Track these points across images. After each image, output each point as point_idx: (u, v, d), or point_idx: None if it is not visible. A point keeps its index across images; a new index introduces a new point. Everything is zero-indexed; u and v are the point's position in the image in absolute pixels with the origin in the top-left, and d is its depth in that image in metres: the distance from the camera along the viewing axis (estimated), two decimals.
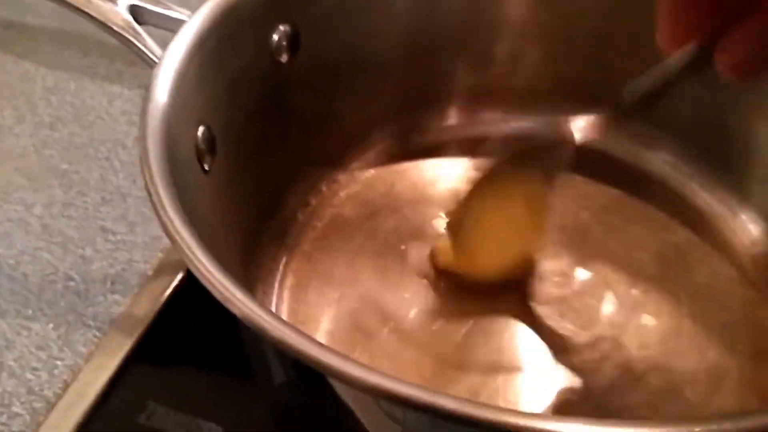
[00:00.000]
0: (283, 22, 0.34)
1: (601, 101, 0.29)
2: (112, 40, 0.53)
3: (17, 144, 0.47)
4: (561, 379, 0.32)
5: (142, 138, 0.24)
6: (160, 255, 0.40)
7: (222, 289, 0.21)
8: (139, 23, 0.32)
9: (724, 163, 0.38)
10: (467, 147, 0.40)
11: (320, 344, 0.20)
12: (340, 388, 0.26)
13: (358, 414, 0.27)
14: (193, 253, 0.21)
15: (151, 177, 0.23)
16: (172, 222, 0.22)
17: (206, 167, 0.29)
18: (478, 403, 0.20)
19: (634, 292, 0.35)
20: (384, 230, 0.38)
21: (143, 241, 0.41)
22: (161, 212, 0.22)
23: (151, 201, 0.23)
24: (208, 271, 0.21)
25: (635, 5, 0.36)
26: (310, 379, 0.28)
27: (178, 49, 0.28)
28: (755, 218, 0.37)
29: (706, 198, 0.38)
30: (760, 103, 0.35)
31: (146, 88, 0.27)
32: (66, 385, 0.34)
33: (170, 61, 0.27)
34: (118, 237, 0.41)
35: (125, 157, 0.45)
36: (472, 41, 0.39)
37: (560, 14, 0.38)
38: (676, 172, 0.39)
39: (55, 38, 0.55)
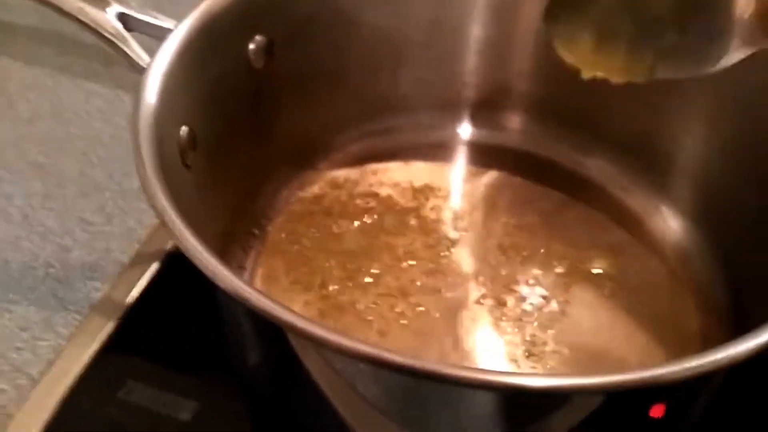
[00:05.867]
0: (260, 33, 0.37)
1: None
2: (89, 39, 0.56)
3: None
4: (500, 358, 0.36)
5: (134, 137, 0.27)
6: (136, 245, 0.42)
7: (212, 267, 0.24)
8: (127, 30, 0.34)
9: (651, 167, 0.42)
10: (426, 152, 0.44)
11: (294, 312, 0.24)
12: (308, 362, 0.29)
13: (327, 393, 0.30)
14: (187, 239, 0.24)
15: (145, 173, 0.26)
16: (167, 212, 0.25)
17: (188, 163, 0.32)
18: (415, 358, 0.23)
19: (575, 286, 0.39)
20: (347, 226, 0.41)
21: (120, 232, 0.43)
22: (157, 204, 0.25)
23: (147, 194, 0.26)
24: (200, 253, 0.24)
25: None
26: (281, 360, 0.30)
27: (165, 55, 0.31)
28: (678, 217, 0.41)
29: (638, 200, 0.42)
30: (681, 111, 0.40)
31: (136, 91, 0.29)
32: (49, 364, 0.37)
33: (158, 66, 0.30)
34: (96, 228, 0.43)
35: (102, 153, 0.48)
36: (432, 56, 0.43)
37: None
38: (611, 176, 0.43)
39: (33, 36, 0.57)
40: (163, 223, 0.25)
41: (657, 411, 0.27)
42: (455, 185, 0.44)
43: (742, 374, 0.30)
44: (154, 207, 0.25)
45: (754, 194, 0.36)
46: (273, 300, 0.25)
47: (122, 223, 0.44)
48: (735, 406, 0.34)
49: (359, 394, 0.30)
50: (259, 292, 0.24)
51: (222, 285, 0.25)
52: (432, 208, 0.42)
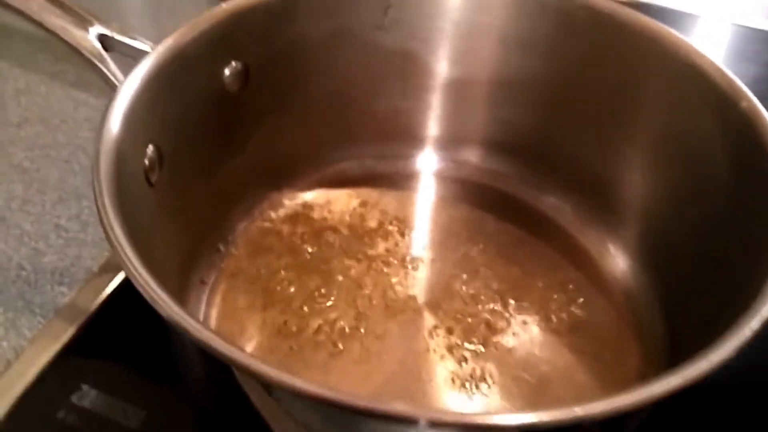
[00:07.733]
0: (236, 59, 0.38)
1: None
2: None
3: None
4: (445, 387, 0.37)
5: (95, 154, 0.28)
6: (107, 254, 0.44)
7: (150, 291, 0.25)
8: (106, 50, 0.36)
9: (604, 209, 0.43)
10: (393, 181, 0.46)
11: (225, 340, 0.25)
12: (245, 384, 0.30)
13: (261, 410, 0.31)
14: (129, 259, 0.26)
15: (100, 189, 0.27)
16: (113, 229, 0.26)
17: (152, 182, 0.33)
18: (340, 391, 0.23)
19: (524, 321, 0.40)
20: (311, 249, 0.43)
21: (93, 240, 0.45)
22: (105, 220, 0.26)
23: (97, 208, 0.27)
24: (140, 275, 0.25)
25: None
26: (220, 375, 0.32)
27: (137, 77, 0.32)
28: (627, 258, 0.42)
29: (590, 239, 0.44)
30: (635, 157, 0.41)
31: (105, 108, 0.31)
32: (9, 364, 0.38)
33: (128, 87, 0.32)
34: (71, 234, 0.45)
35: (85, 162, 0.49)
36: (404, 88, 0.44)
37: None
38: (566, 215, 0.44)
39: (30, 41, 0.59)
40: (113, 248, 0.26)
41: None
42: (419, 215, 0.45)
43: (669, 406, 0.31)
44: (107, 237, 0.26)
45: (692, 241, 0.38)
46: (214, 333, 0.25)
47: (96, 231, 0.45)
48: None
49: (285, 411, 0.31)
50: (201, 324, 0.25)
51: (164, 314, 0.26)
52: (394, 237, 0.44)
